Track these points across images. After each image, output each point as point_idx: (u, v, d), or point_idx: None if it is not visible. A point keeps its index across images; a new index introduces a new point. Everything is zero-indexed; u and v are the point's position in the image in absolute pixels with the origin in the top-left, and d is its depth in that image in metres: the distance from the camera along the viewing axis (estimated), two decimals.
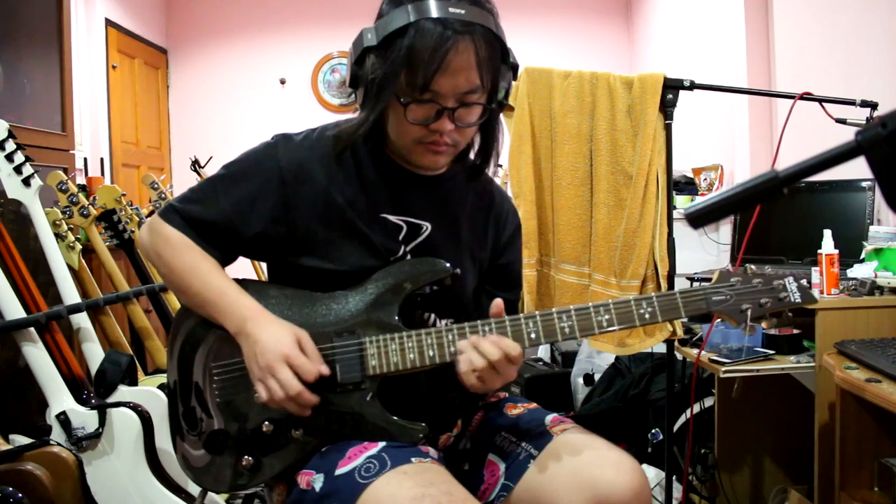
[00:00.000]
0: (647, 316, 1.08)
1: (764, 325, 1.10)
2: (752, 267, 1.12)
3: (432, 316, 1.22)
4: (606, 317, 1.08)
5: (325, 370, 1.08)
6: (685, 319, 2.32)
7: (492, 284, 1.30)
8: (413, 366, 1.10)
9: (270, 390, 1.06)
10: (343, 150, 1.15)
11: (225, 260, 1.19)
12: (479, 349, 1.05)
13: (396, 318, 1.13)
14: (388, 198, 1.17)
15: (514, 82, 1.16)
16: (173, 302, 2.70)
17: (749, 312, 1.08)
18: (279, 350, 1.05)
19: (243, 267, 1.27)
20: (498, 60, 1.08)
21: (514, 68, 1.12)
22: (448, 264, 1.15)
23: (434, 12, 1.02)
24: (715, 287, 1.10)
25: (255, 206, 1.14)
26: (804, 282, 1.11)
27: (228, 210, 1.14)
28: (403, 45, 1.02)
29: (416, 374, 1.12)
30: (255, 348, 1.07)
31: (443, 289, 1.19)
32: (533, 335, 1.09)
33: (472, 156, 1.22)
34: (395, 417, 1.11)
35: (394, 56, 1.03)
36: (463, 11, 1.02)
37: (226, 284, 1.14)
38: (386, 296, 1.14)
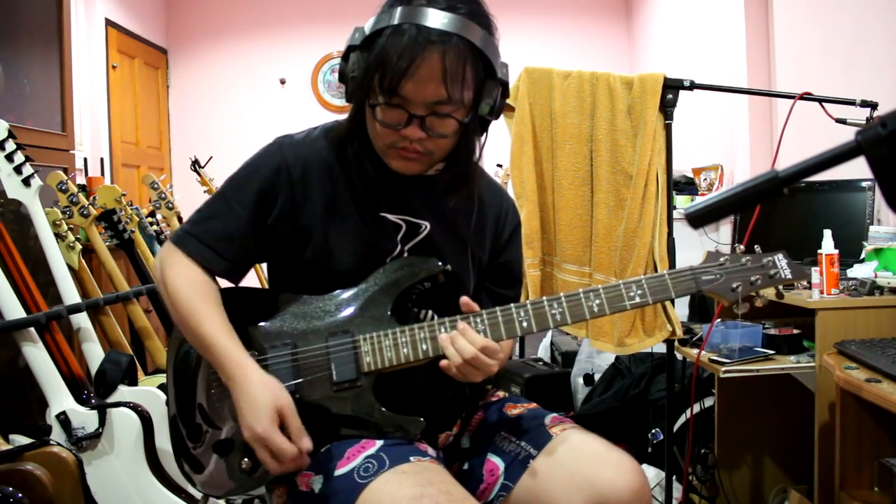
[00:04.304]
0: (637, 298, 1.08)
1: (758, 303, 1.09)
2: (741, 246, 1.11)
3: (430, 312, 1.22)
4: (597, 301, 1.08)
5: (305, 445, 1.02)
6: (685, 319, 2.32)
7: (492, 282, 1.30)
8: (407, 360, 1.10)
9: (264, 462, 1.03)
10: (342, 148, 1.15)
11: (239, 272, 1.17)
12: (455, 345, 1.06)
13: (389, 314, 1.13)
14: (387, 197, 1.17)
15: (512, 83, 1.15)
16: None
17: (740, 290, 1.07)
18: (255, 431, 1.01)
19: None
20: (478, 74, 1.05)
21: (504, 85, 1.09)
22: (439, 262, 1.15)
23: (418, 17, 1.01)
24: (704, 267, 1.09)
25: (267, 200, 1.13)
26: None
27: (243, 213, 1.13)
28: (378, 45, 1.02)
29: (415, 373, 1.12)
30: (239, 418, 1.05)
31: (441, 286, 1.19)
32: (525, 324, 1.09)
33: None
34: (390, 413, 1.11)
35: (370, 56, 1.03)
36: (446, 21, 1.01)
37: (216, 333, 1.08)
38: (379, 294, 1.14)
